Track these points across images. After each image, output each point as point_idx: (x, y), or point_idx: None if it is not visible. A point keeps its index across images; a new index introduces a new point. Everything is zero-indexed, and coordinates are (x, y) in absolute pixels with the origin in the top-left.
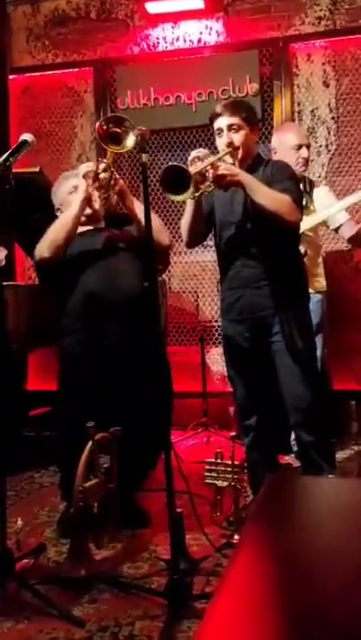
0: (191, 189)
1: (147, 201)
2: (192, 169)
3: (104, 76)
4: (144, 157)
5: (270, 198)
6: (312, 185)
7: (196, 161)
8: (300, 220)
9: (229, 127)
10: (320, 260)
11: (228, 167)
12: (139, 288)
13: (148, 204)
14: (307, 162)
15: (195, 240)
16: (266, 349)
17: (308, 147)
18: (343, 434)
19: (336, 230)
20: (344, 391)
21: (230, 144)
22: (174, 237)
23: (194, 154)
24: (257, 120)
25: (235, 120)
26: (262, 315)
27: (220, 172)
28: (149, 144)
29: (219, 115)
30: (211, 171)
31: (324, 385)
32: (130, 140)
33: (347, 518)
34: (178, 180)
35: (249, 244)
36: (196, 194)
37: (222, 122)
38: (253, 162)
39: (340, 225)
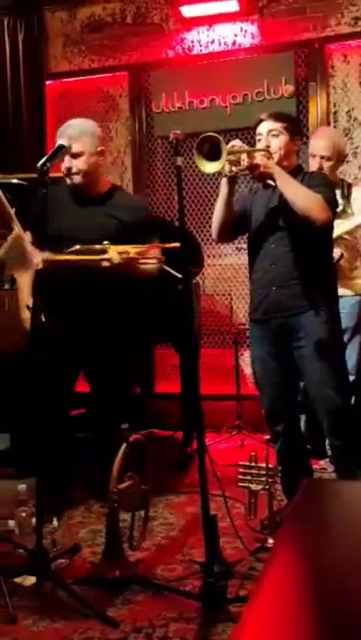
0: (222, 164)
1: (181, 203)
2: (229, 147)
3: (139, 80)
4: (179, 161)
5: (302, 195)
6: (350, 188)
7: (235, 146)
8: (331, 220)
9: (269, 132)
10: (359, 262)
11: (263, 158)
12: None
13: (182, 207)
14: (319, 170)
15: (223, 234)
16: (292, 353)
17: (323, 157)
18: None
19: None
20: None
21: (267, 147)
22: (207, 240)
23: (233, 142)
24: (299, 131)
25: (275, 126)
26: (288, 315)
27: (256, 161)
28: (184, 147)
29: (261, 120)
30: (246, 159)
31: (358, 390)
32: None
33: None
34: (212, 151)
35: (280, 244)
36: (227, 172)
37: (263, 127)
38: (292, 172)
39: None
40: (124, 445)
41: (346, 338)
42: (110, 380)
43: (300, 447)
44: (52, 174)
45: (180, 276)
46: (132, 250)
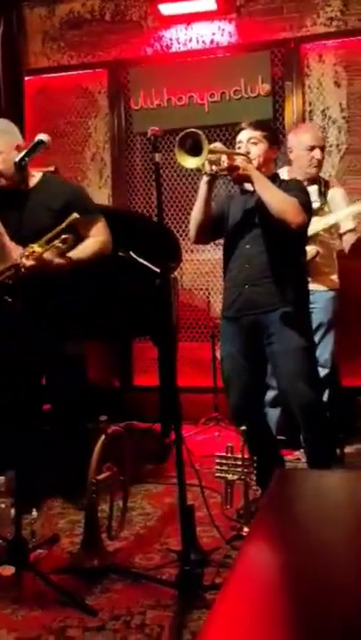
0: (202, 160)
1: (159, 199)
2: (211, 147)
3: (118, 77)
4: (157, 157)
5: (279, 198)
6: (327, 186)
7: (217, 147)
8: (306, 223)
9: (249, 139)
10: (334, 258)
11: (243, 161)
12: None
13: (160, 202)
14: (320, 163)
15: (200, 235)
16: (263, 349)
17: (322, 148)
18: (352, 429)
19: (341, 236)
20: (353, 387)
21: (247, 154)
22: (185, 236)
23: (215, 144)
24: (278, 141)
25: (255, 134)
26: (259, 312)
27: (236, 163)
28: (162, 144)
29: (242, 129)
30: (226, 160)
31: (333, 381)
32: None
33: (352, 510)
34: (194, 147)
35: (255, 244)
36: (207, 170)
37: (244, 135)
38: (269, 179)
39: (346, 231)
40: (103, 437)
41: (320, 332)
42: (66, 375)
43: (268, 440)
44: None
45: (158, 270)
46: (37, 248)
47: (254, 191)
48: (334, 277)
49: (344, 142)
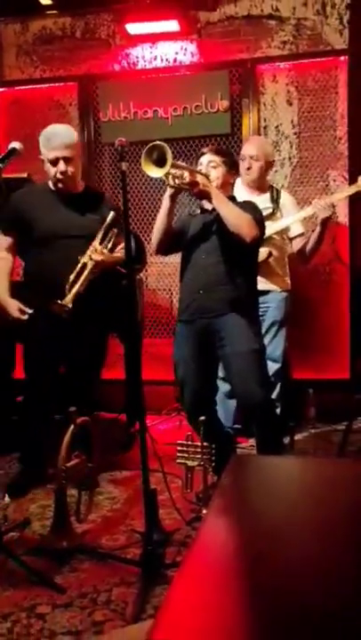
0: (166, 170)
1: (125, 205)
2: (174, 162)
3: (88, 90)
4: (123, 166)
5: (235, 213)
6: (279, 194)
7: (180, 163)
8: (259, 237)
9: (209, 162)
10: (286, 260)
11: (203, 178)
12: None
13: (127, 209)
14: (248, 171)
15: (161, 246)
16: (215, 352)
17: (253, 157)
18: (302, 418)
19: (291, 240)
20: (303, 380)
21: (207, 176)
22: (150, 240)
23: (179, 162)
24: (236, 167)
25: (215, 158)
26: (212, 316)
27: (197, 179)
28: (128, 154)
29: (203, 153)
30: (188, 176)
31: (285, 375)
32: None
33: (299, 493)
34: (159, 159)
35: (211, 255)
36: (170, 183)
37: (205, 159)
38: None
39: (295, 236)
40: (72, 427)
41: (273, 330)
42: (87, 367)
43: (220, 433)
44: (4, 175)
45: (124, 271)
46: (98, 246)
47: (213, 210)
48: (287, 279)
49: (295, 156)
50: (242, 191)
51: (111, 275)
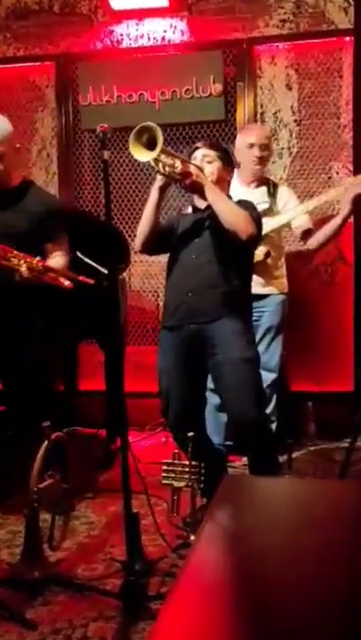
0: (155, 154)
1: (107, 198)
2: (165, 149)
3: (66, 71)
4: (105, 155)
5: (230, 208)
6: (276, 187)
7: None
8: (256, 236)
9: (203, 157)
10: (283, 261)
11: (196, 169)
12: None
13: (108, 201)
14: (261, 160)
15: (146, 244)
16: (205, 361)
17: (262, 146)
18: (300, 435)
19: (301, 236)
20: (302, 392)
21: (200, 169)
22: (134, 236)
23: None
24: (231, 163)
25: (209, 152)
26: (202, 321)
27: (190, 169)
28: (111, 141)
29: (197, 148)
30: (180, 166)
31: (282, 386)
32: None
33: (299, 517)
34: (149, 142)
35: (202, 255)
36: (160, 170)
37: (198, 153)
38: None
39: (306, 230)
40: (45, 443)
41: (269, 336)
42: (26, 378)
43: (210, 450)
44: None
45: (105, 271)
46: (42, 269)
47: (206, 209)
48: (284, 281)
49: (295, 145)
50: (235, 183)
51: (90, 275)
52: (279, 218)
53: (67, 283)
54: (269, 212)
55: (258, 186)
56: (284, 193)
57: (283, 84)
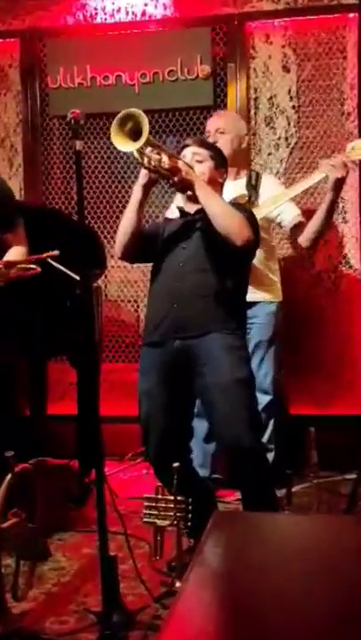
0: (140, 144)
1: (80, 194)
2: (151, 140)
3: (33, 49)
4: (78, 145)
5: (223, 210)
6: (258, 178)
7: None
8: (252, 242)
9: (193, 155)
10: (274, 263)
11: (186, 166)
12: None
13: (81, 198)
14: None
15: (127, 249)
16: (192, 382)
17: (218, 130)
18: (301, 465)
19: (291, 230)
20: (303, 416)
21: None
22: (111, 238)
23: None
24: (224, 164)
25: (200, 151)
26: (189, 336)
27: (178, 165)
28: (84, 129)
29: (186, 145)
30: (168, 161)
31: (280, 410)
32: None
33: (301, 560)
34: (133, 131)
35: (189, 263)
36: (145, 164)
37: (188, 151)
38: None
39: (296, 224)
40: (9, 476)
41: (260, 352)
42: None
43: (197, 484)
44: None
45: (77, 278)
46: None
47: (196, 214)
48: (278, 286)
49: (293, 135)
50: None
51: (54, 281)
52: (260, 209)
53: (36, 269)
54: (250, 205)
55: (236, 177)
56: (267, 183)
57: (279, 66)
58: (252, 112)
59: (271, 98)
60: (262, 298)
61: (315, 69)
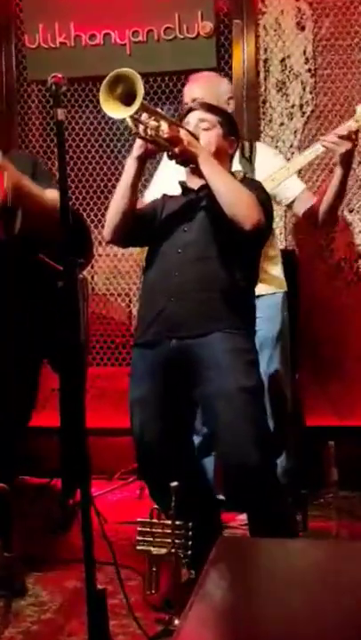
0: (133, 110)
1: (63, 170)
2: (146, 104)
3: (8, 3)
4: (60, 114)
5: (231, 187)
6: (253, 149)
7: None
8: (263, 225)
9: (199, 122)
10: (273, 249)
11: (188, 135)
12: None
13: (64, 174)
14: None
15: (117, 231)
16: (191, 389)
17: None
18: (319, 484)
19: (289, 206)
20: (320, 428)
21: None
22: (98, 221)
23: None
24: (236, 132)
25: (207, 116)
26: (185, 336)
27: (179, 134)
28: (67, 96)
29: (191, 109)
30: (167, 129)
31: (295, 420)
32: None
33: (316, 591)
34: (125, 94)
35: (190, 249)
36: (141, 133)
37: (193, 116)
38: None
39: (295, 199)
40: None
41: (267, 353)
42: None
43: (200, 506)
44: None
45: (60, 268)
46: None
47: (200, 190)
48: (279, 273)
49: (309, 102)
50: None
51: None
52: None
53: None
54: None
55: None
56: (263, 154)
57: (293, 23)
58: (262, 76)
59: (284, 60)
60: (266, 290)
61: (333, 26)
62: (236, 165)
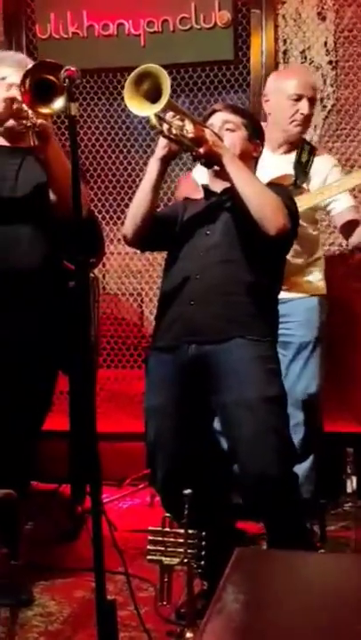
0: (159, 108)
1: (76, 167)
2: (172, 103)
3: None
4: (73, 108)
5: (257, 190)
6: (313, 153)
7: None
8: (287, 232)
9: (223, 124)
10: (318, 255)
11: (214, 136)
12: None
13: (77, 171)
14: (306, 120)
15: (137, 233)
16: (210, 397)
17: (311, 101)
18: (338, 492)
19: (341, 226)
20: (339, 434)
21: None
22: (110, 219)
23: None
24: (261, 136)
25: (232, 118)
26: (206, 341)
27: (204, 134)
28: (80, 89)
29: (215, 111)
30: (192, 129)
31: (315, 425)
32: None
33: (336, 605)
34: (151, 91)
35: (214, 252)
36: (165, 132)
37: (217, 118)
38: None
39: (340, 212)
40: None
41: (302, 358)
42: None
43: (215, 514)
44: None
45: (71, 267)
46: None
47: (223, 194)
48: (317, 279)
49: (330, 96)
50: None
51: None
52: (306, 198)
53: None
54: (296, 189)
55: (288, 151)
56: (322, 164)
57: (313, 13)
58: (281, 68)
59: (304, 51)
60: (298, 295)
61: (356, 16)
62: (289, 169)
